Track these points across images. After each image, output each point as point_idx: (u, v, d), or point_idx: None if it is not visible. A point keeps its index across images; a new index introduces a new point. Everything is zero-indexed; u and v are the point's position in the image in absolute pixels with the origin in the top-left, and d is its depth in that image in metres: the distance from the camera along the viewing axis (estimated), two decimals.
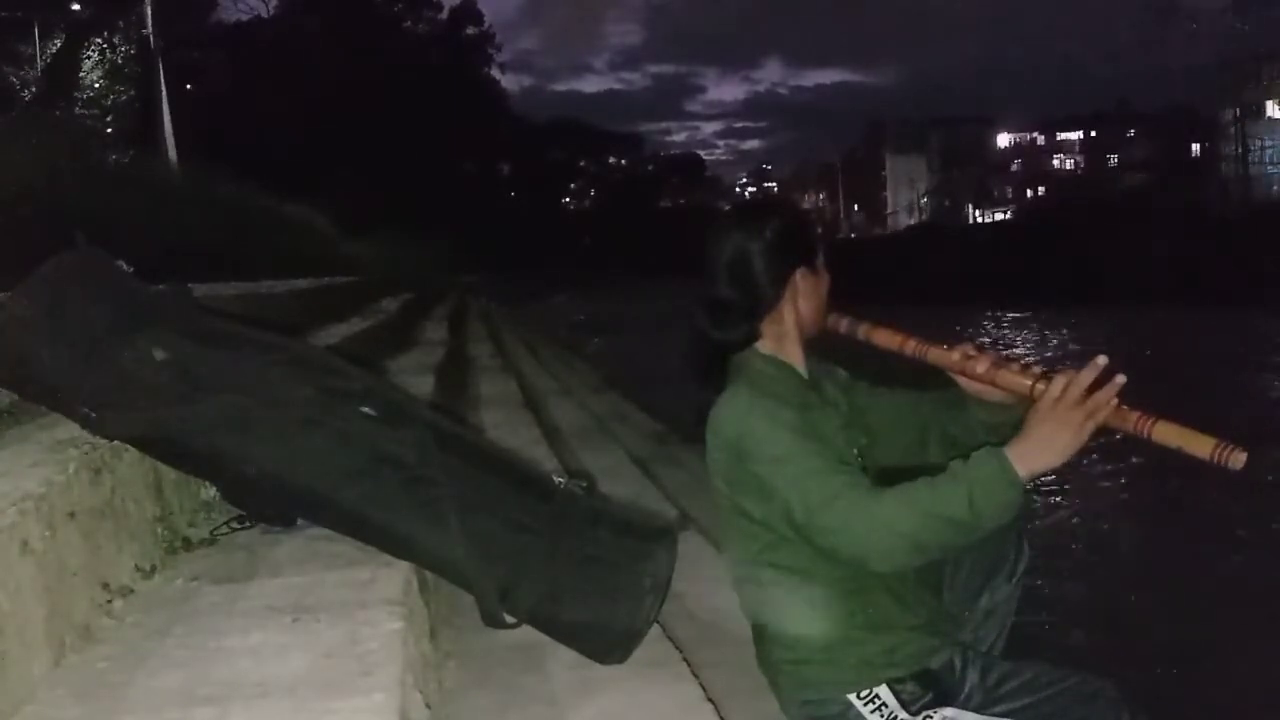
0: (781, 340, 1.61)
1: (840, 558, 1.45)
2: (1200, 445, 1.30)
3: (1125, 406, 1.35)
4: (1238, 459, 1.27)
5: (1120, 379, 1.34)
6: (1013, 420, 1.54)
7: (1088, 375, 1.35)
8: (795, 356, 1.63)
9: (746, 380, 1.56)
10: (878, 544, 1.40)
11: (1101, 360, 1.36)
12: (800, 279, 1.60)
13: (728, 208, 2.15)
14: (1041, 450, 1.36)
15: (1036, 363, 1.56)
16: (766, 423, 1.49)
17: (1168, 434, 1.32)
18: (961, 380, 1.60)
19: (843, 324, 1.68)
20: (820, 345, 1.70)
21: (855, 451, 1.62)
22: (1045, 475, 1.38)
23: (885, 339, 1.64)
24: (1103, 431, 1.37)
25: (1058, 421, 1.35)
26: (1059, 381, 1.37)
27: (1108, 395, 1.34)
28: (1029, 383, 1.45)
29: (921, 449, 1.71)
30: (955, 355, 1.57)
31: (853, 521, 1.40)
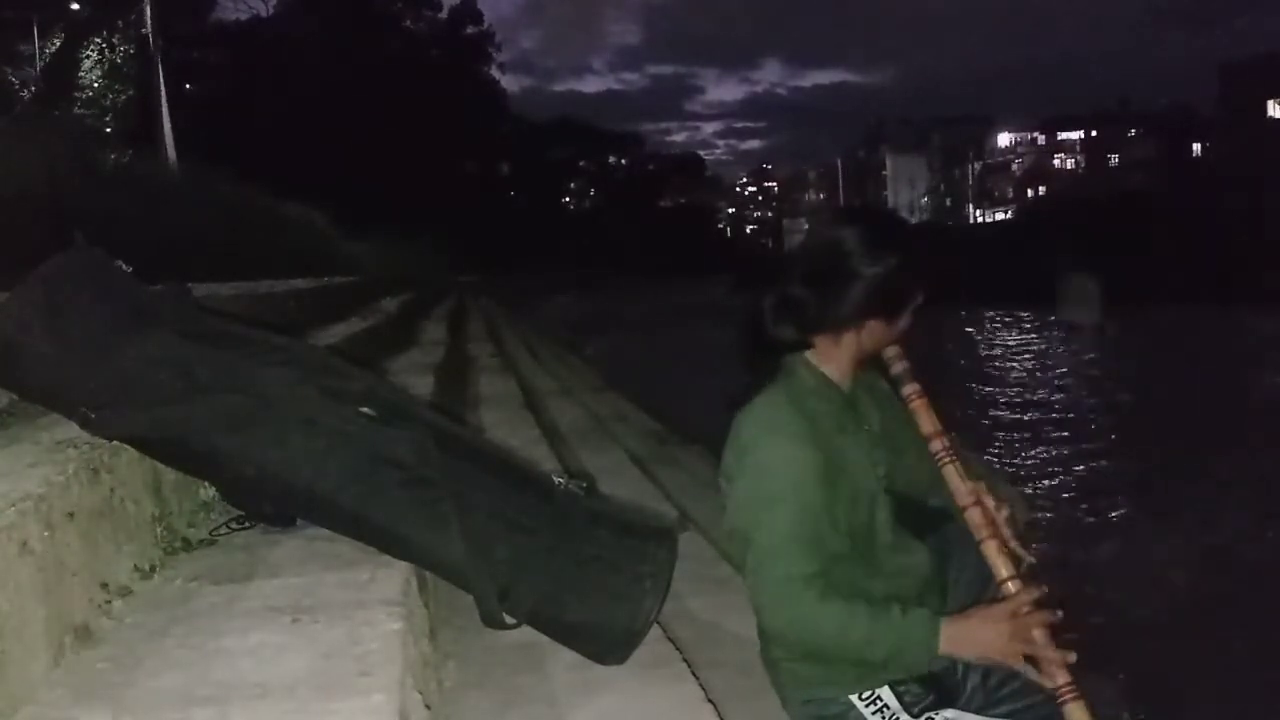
0: (833, 356, 1.58)
1: (755, 613, 1.55)
2: None
3: (1068, 674, 1.42)
4: None
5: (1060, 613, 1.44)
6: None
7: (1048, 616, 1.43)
8: (843, 373, 1.60)
9: (786, 388, 1.54)
10: (795, 631, 1.51)
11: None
12: (877, 323, 1.57)
13: (846, 211, 2.13)
14: (970, 645, 1.46)
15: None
16: (784, 452, 1.48)
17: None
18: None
19: (896, 366, 1.66)
20: None
21: (880, 472, 1.60)
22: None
23: (923, 416, 1.62)
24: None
25: (1000, 634, 1.44)
26: (1022, 604, 1.44)
27: (1058, 658, 1.42)
28: (1004, 573, 1.49)
29: (934, 488, 1.69)
30: (965, 490, 1.56)
31: (787, 606, 1.48)
